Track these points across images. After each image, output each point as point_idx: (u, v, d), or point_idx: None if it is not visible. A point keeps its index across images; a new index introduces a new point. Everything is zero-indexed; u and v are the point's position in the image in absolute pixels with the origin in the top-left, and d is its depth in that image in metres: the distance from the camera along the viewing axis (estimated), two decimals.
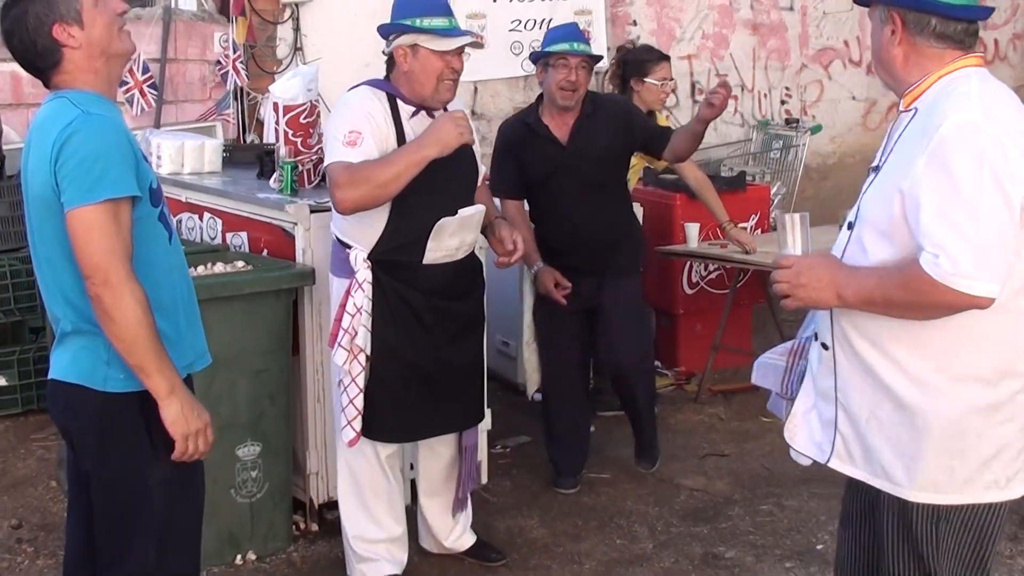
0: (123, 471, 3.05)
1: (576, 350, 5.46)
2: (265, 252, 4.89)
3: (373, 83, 4.25)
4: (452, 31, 4.17)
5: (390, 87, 4.23)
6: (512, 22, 8.47)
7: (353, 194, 3.98)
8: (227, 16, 7.45)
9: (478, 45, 4.31)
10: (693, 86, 9.60)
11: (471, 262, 4.45)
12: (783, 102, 9.99)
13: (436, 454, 4.59)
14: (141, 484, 3.05)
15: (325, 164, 4.15)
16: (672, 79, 6.50)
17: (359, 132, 4.06)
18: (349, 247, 4.22)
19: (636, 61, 6.36)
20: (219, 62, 7.48)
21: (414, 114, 4.22)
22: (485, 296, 4.60)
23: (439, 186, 4.16)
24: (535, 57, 5.27)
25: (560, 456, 5.50)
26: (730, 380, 6.95)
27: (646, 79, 6.27)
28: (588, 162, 5.21)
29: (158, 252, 3.05)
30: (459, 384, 4.45)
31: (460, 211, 4.24)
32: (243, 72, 7.40)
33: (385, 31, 4.23)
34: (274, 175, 5.08)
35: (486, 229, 4.51)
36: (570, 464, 5.51)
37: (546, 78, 5.18)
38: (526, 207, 5.37)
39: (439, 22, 4.14)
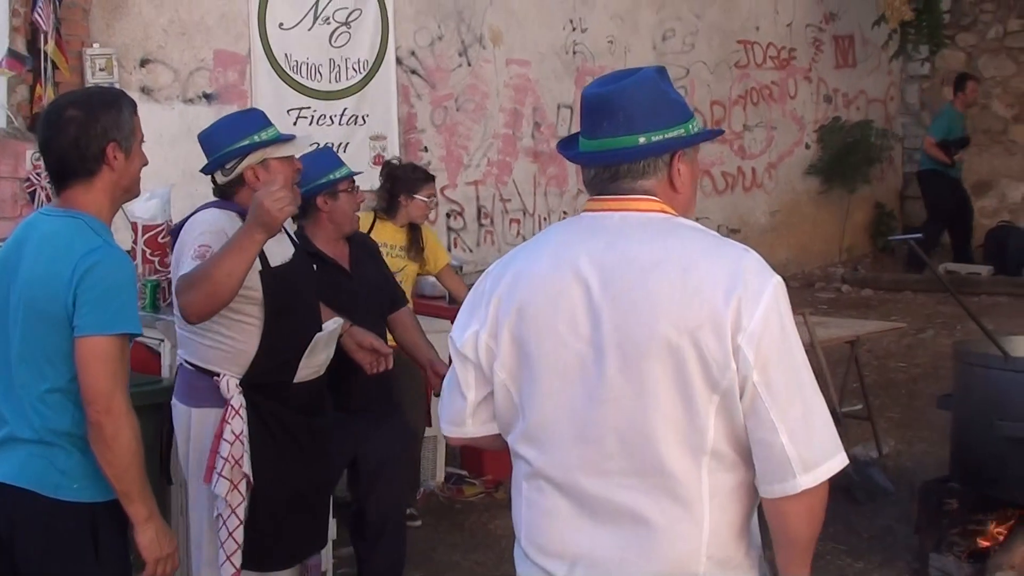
0: None
1: None
2: None
3: (219, 204, 4.17)
4: (287, 136, 4.21)
5: (237, 207, 4.10)
6: (311, 145, 8.65)
7: (194, 297, 3.76)
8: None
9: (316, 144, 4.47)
10: (479, 211, 10.07)
11: (328, 376, 4.46)
12: None
13: None
14: None
15: (175, 283, 3.95)
16: (435, 196, 6.93)
17: (208, 245, 3.92)
18: (214, 374, 4.08)
19: (406, 179, 6.65)
20: (28, 180, 7.47)
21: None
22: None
23: (304, 303, 4.22)
24: (319, 189, 4.89)
25: None
26: None
27: (415, 196, 6.57)
28: (370, 291, 5.06)
29: None
30: (324, 501, 4.47)
31: (325, 326, 4.28)
32: (51, 192, 7.39)
33: (223, 159, 4.13)
34: None
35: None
36: None
37: (334, 207, 4.88)
38: None
39: (274, 131, 4.15)
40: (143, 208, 5.13)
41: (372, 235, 6.50)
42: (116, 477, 3.08)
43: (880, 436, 7.48)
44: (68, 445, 3.13)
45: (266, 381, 4.11)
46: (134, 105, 3.32)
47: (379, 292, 5.06)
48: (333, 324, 4.34)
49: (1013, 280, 11.66)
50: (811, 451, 2.36)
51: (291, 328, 4.13)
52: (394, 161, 7.13)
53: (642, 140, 2.46)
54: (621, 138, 2.47)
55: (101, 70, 7.82)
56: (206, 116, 8.36)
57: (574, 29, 10.54)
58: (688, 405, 2.36)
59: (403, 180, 6.63)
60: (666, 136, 2.48)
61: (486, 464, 7.52)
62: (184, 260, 3.95)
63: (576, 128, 9.62)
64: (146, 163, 3.34)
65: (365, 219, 6.72)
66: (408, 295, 6.63)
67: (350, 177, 5.04)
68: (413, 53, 9.57)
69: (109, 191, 3.22)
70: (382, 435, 5.04)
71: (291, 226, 4.53)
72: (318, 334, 4.23)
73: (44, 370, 3.11)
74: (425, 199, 6.62)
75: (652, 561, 2.42)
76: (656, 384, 2.37)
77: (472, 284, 7.98)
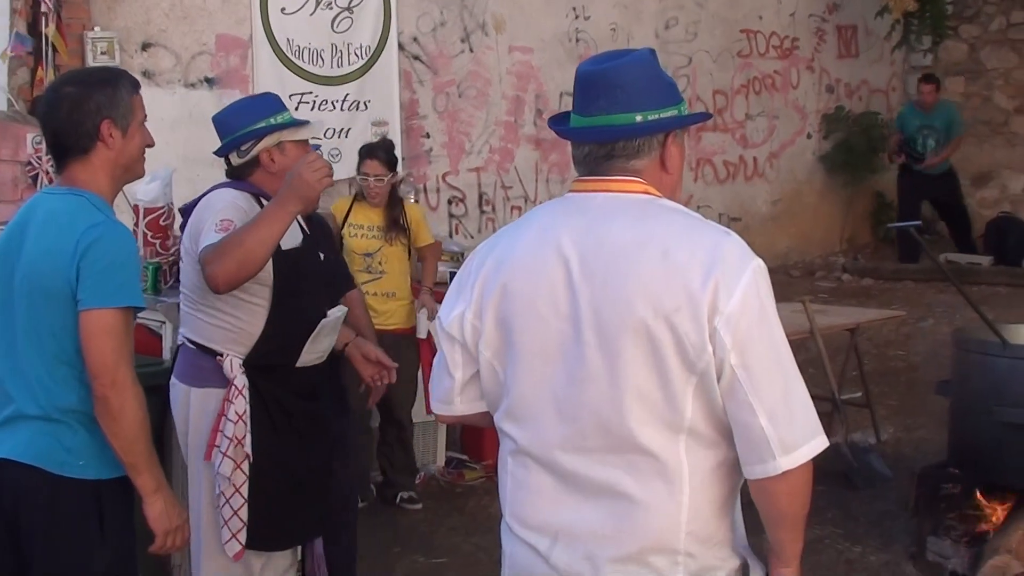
0: (70, 555, 3.16)
1: None
2: None
3: (233, 185, 4.16)
4: (301, 120, 4.30)
5: (252, 188, 4.15)
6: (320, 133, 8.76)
7: (223, 266, 3.73)
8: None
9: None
10: (481, 197, 10.08)
11: (328, 364, 4.40)
12: None
13: (273, 564, 4.31)
14: (85, 568, 3.16)
15: (199, 254, 3.88)
16: (381, 175, 6.47)
17: (231, 220, 3.91)
18: (218, 354, 4.06)
19: (360, 154, 6.64)
20: (30, 163, 7.48)
21: None
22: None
23: (312, 288, 4.15)
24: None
25: None
26: None
27: (356, 174, 6.58)
28: (329, 271, 4.65)
29: None
30: (323, 485, 4.35)
31: (330, 312, 4.22)
32: (53, 174, 7.42)
33: (237, 141, 4.15)
34: None
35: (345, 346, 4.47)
36: None
37: None
38: None
39: (288, 115, 4.21)
40: (144, 191, 5.15)
41: (350, 218, 6.55)
42: (123, 450, 3.09)
43: (879, 423, 7.50)
44: (74, 422, 3.14)
45: (269, 363, 4.10)
46: (136, 84, 3.31)
47: (336, 273, 4.86)
48: (339, 311, 4.30)
49: (1012, 271, 11.68)
50: (790, 433, 2.38)
51: (297, 312, 4.11)
52: (375, 138, 7.14)
53: (638, 118, 2.46)
54: (617, 115, 2.47)
55: (103, 54, 7.81)
56: (208, 101, 8.39)
57: (576, 17, 10.54)
58: (664, 385, 2.38)
59: (359, 155, 6.63)
60: (661, 116, 2.48)
61: (486, 448, 7.54)
62: (206, 234, 3.91)
63: None
64: (151, 144, 3.34)
65: (346, 202, 6.75)
66: (401, 278, 6.63)
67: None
68: (415, 39, 9.57)
69: (107, 169, 3.22)
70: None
71: None
72: (324, 320, 4.19)
73: (49, 346, 3.12)
74: (357, 176, 6.52)
75: (631, 535, 2.45)
76: (632, 363, 2.39)
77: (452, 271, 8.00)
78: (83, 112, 3.17)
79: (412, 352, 6.58)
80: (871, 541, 5.84)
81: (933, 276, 11.33)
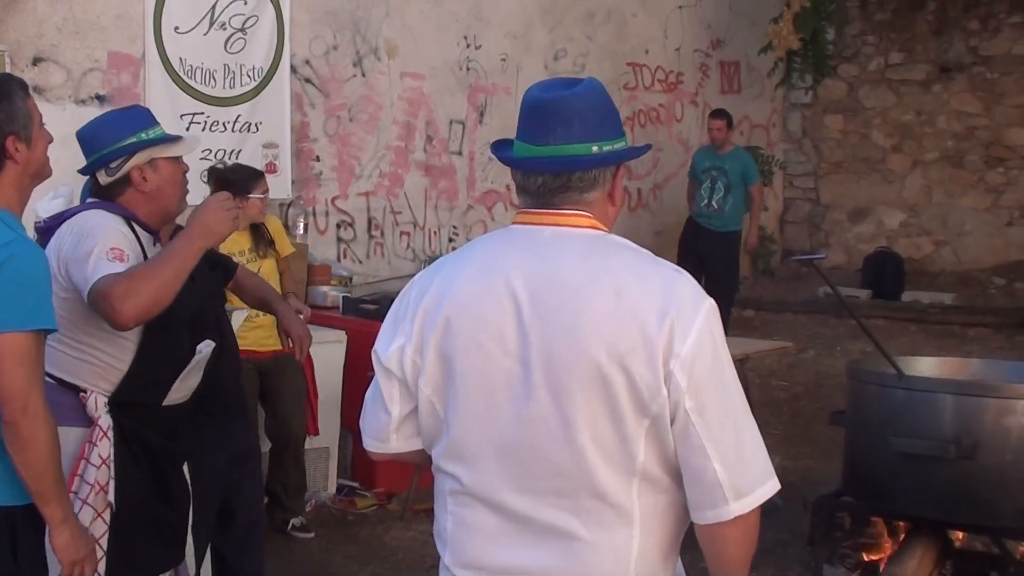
0: None
1: None
2: None
3: (103, 206, 3.84)
4: (173, 136, 3.98)
5: (124, 210, 3.84)
6: (204, 152, 8.63)
7: (136, 302, 3.45)
8: None
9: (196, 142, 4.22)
10: (370, 222, 10.03)
11: (192, 401, 4.09)
12: (451, 239, 10.58)
13: None
14: None
15: (89, 286, 3.52)
16: (267, 191, 6.75)
17: (121, 248, 3.63)
18: (80, 390, 3.74)
19: (239, 181, 6.58)
20: None
21: (153, 241, 3.91)
22: None
23: (183, 321, 3.86)
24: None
25: None
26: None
27: (250, 195, 6.52)
28: (204, 274, 4.38)
29: None
30: (181, 525, 4.09)
31: (200, 347, 3.96)
32: None
33: (106, 158, 3.85)
34: None
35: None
36: None
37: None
38: None
39: (160, 130, 3.90)
40: (47, 208, 5.01)
41: (220, 248, 6.44)
42: (31, 478, 2.98)
43: None
44: None
45: (134, 400, 3.80)
46: (25, 87, 3.17)
47: (212, 273, 4.55)
48: (207, 347, 4.02)
49: (889, 304, 12.02)
50: (743, 478, 2.34)
51: (166, 347, 3.83)
52: (219, 166, 7.17)
53: (595, 149, 2.42)
54: (575, 145, 2.41)
55: None
56: None
57: (468, 46, 10.58)
58: (617, 428, 2.33)
59: (236, 183, 6.52)
60: (614, 147, 2.44)
61: (378, 476, 7.50)
62: (96, 263, 3.58)
63: (470, 144, 9.56)
64: (51, 140, 3.20)
65: None
66: (278, 289, 6.62)
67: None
68: (308, 62, 9.50)
69: (16, 183, 3.11)
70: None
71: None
72: (197, 356, 3.95)
73: None
74: (260, 196, 6.57)
75: None
76: (585, 406, 2.33)
77: (349, 296, 8.05)
78: None
79: (298, 371, 6.53)
80: (766, 569, 5.92)
81: (813, 308, 11.60)
